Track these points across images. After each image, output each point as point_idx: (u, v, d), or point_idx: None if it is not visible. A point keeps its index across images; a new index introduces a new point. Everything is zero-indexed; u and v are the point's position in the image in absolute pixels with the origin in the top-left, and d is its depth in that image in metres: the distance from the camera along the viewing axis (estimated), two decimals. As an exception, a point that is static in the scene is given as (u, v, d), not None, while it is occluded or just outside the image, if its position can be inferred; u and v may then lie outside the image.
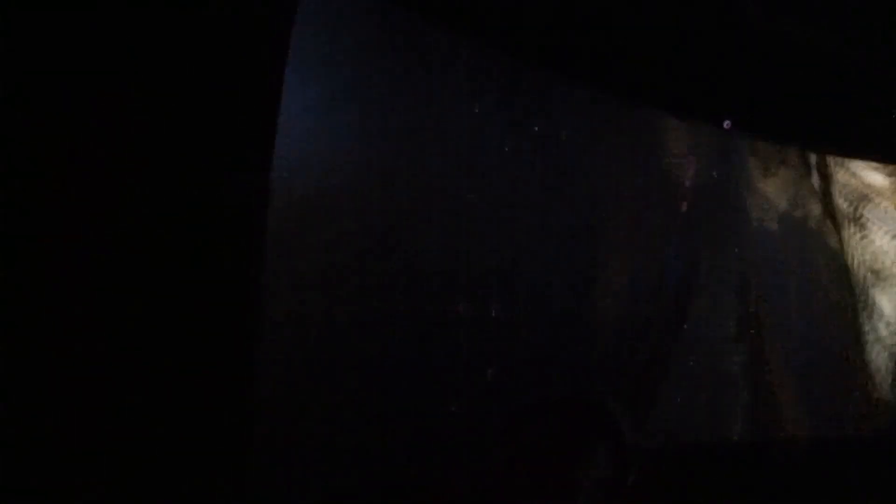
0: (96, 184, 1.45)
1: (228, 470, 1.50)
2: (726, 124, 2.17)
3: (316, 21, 1.62)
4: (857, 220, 2.40)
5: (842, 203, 2.41)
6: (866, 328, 2.36)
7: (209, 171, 1.53)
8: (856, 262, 2.40)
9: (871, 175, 2.43)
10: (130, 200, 1.47)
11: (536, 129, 1.99)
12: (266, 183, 1.57)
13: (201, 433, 1.49)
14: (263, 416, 1.55)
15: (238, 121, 1.55)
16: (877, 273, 2.38)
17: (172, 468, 1.46)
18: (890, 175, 2.43)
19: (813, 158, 2.43)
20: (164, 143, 1.50)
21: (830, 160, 2.43)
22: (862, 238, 2.40)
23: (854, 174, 2.43)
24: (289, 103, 1.60)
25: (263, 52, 1.57)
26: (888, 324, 2.35)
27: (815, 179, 2.42)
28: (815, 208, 2.40)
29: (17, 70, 1.39)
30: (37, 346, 1.41)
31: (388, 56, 1.75)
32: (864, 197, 2.41)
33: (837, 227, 2.41)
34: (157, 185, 1.49)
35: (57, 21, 1.41)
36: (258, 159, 1.57)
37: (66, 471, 1.40)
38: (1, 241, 1.38)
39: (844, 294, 2.39)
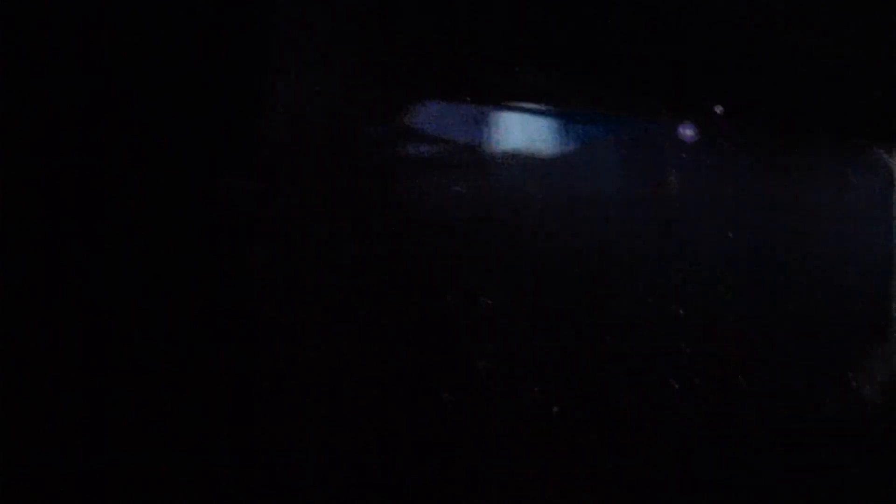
0: (89, 186, 1.45)
1: (228, 470, 1.50)
2: (718, 109, 2.16)
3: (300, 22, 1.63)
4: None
5: None
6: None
7: (200, 173, 1.53)
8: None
9: None
10: (123, 203, 1.47)
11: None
12: (259, 184, 1.58)
13: (200, 434, 1.49)
14: (261, 414, 1.55)
15: (228, 123, 1.55)
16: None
17: (172, 469, 1.46)
18: None
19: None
20: (154, 145, 1.50)
21: None
22: None
23: None
24: (281, 105, 1.61)
25: (248, 53, 1.57)
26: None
27: None
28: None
29: (15, 71, 1.38)
30: (32, 349, 1.40)
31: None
32: None
33: None
34: (149, 187, 1.49)
35: (50, 22, 1.41)
36: (250, 161, 1.57)
37: (66, 471, 1.40)
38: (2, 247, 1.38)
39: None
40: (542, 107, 1.99)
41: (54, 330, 1.41)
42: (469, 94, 1.88)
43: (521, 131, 1.93)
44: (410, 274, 1.76)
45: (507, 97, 1.96)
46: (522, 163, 1.94)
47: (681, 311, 2.13)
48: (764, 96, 2.17)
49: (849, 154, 2.36)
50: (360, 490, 1.66)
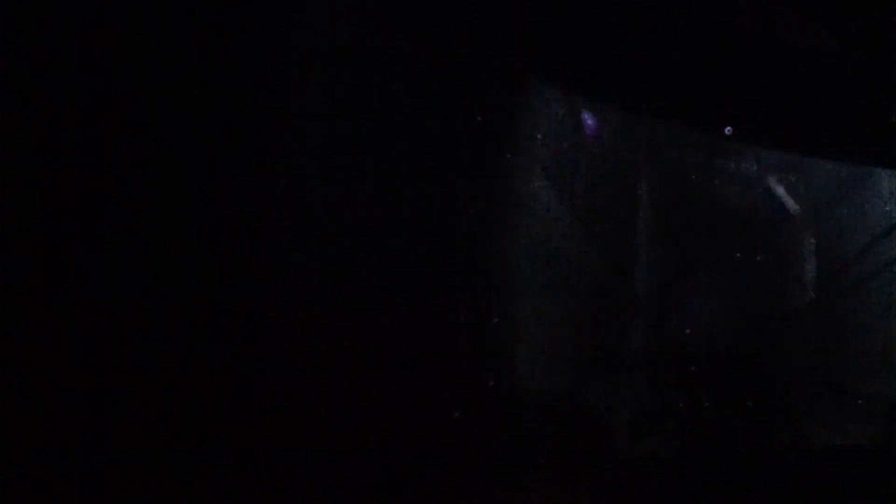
0: (91, 186, 1.45)
1: (228, 470, 1.50)
2: (727, 130, 2.16)
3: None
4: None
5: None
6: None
7: (209, 175, 1.54)
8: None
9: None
10: (125, 203, 1.48)
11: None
12: (265, 186, 1.58)
13: (201, 434, 1.49)
14: (263, 417, 1.55)
15: (238, 125, 1.56)
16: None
17: (172, 468, 1.46)
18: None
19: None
20: (164, 146, 1.51)
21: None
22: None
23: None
24: (288, 108, 1.62)
25: (264, 56, 1.58)
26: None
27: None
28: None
29: (20, 73, 1.39)
30: (34, 348, 1.40)
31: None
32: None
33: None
34: (151, 187, 1.50)
35: (58, 22, 1.42)
36: (258, 163, 1.58)
37: (66, 470, 1.40)
38: (6, 252, 1.38)
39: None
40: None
41: (56, 329, 1.41)
42: (474, 104, 1.89)
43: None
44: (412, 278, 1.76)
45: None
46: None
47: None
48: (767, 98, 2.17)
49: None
50: (361, 491, 1.66)
